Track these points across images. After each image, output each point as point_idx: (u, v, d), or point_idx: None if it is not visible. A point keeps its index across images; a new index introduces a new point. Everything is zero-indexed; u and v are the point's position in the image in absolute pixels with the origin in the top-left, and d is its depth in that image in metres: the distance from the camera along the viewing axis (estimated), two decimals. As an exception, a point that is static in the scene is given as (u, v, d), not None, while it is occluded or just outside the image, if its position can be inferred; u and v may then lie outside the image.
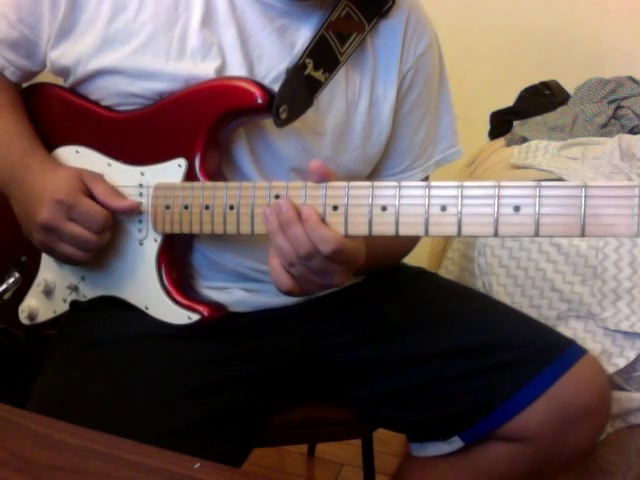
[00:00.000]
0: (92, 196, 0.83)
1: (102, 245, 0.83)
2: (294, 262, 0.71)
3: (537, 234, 0.62)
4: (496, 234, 0.63)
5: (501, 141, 1.76)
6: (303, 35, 0.85)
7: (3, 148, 0.87)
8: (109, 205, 0.83)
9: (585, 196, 0.60)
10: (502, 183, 0.63)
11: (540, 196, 0.61)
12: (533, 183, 0.62)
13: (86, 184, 0.83)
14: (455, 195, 0.65)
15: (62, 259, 0.86)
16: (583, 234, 0.60)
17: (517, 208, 0.62)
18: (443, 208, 0.66)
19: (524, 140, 1.64)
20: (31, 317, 0.95)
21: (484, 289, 1.23)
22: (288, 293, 0.74)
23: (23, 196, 0.85)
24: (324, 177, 0.71)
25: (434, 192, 0.66)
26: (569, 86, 1.90)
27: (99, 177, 0.85)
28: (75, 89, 0.89)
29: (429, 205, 0.66)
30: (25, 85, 0.96)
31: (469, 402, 0.90)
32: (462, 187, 0.65)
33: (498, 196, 0.63)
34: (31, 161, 0.86)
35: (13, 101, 0.93)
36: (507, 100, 1.91)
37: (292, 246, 0.70)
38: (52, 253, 0.85)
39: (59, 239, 0.82)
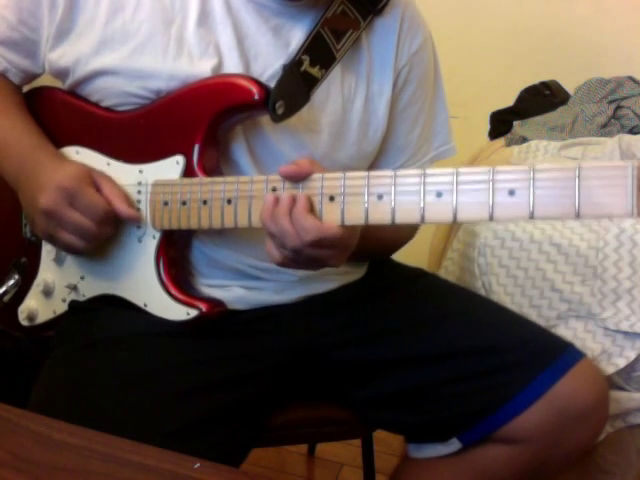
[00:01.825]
0: (98, 190, 0.83)
1: (103, 237, 0.83)
2: (284, 248, 0.73)
3: (532, 217, 0.62)
4: (491, 218, 0.64)
5: (501, 141, 1.76)
6: (297, 34, 0.86)
7: (13, 145, 0.88)
8: (112, 206, 0.83)
9: (579, 177, 0.60)
10: (496, 168, 0.63)
11: (534, 179, 0.61)
12: (527, 167, 0.62)
13: (94, 180, 0.83)
14: (450, 181, 0.65)
15: (63, 248, 0.86)
16: (578, 215, 0.60)
17: (512, 192, 0.62)
18: (438, 195, 0.66)
19: (524, 140, 1.64)
20: (30, 318, 0.95)
21: (484, 289, 1.23)
22: (280, 266, 0.76)
23: (30, 184, 0.85)
24: (299, 177, 0.73)
25: (429, 179, 0.66)
26: (569, 86, 1.90)
27: (109, 178, 0.85)
28: (74, 91, 0.89)
29: (424, 192, 0.67)
30: (25, 89, 0.97)
31: (467, 404, 0.90)
32: (457, 173, 0.65)
33: (492, 181, 0.63)
34: (42, 155, 0.87)
35: (18, 101, 0.94)
36: (507, 100, 1.91)
37: (280, 237, 0.72)
38: (53, 241, 0.85)
39: (59, 226, 0.82)
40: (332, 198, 0.72)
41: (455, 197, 0.65)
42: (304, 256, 0.73)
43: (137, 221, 0.85)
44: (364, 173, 0.70)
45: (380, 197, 0.69)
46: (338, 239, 0.72)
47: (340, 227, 0.72)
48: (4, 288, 0.96)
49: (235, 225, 0.78)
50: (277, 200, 0.73)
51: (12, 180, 0.88)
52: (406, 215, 0.68)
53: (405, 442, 1.00)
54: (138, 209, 0.85)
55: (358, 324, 0.95)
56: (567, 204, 0.60)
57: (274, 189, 0.75)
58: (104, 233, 0.83)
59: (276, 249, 0.74)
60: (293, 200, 0.72)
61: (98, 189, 0.83)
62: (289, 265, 0.76)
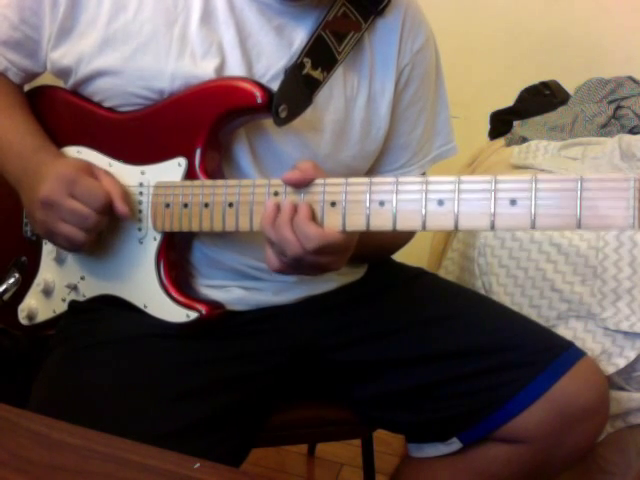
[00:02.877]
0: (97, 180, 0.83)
1: (101, 226, 0.82)
2: (284, 256, 0.73)
3: (533, 227, 0.62)
4: (493, 227, 0.64)
5: (501, 141, 1.76)
6: (300, 34, 0.86)
7: (16, 145, 0.88)
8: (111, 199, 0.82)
9: (581, 189, 0.60)
10: (498, 177, 0.64)
11: (536, 189, 0.62)
12: (529, 177, 0.62)
13: (94, 172, 0.83)
14: (452, 190, 0.66)
15: (63, 244, 0.84)
16: (579, 226, 0.60)
17: (513, 201, 0.63)
18: (440, 202, 0.66)
19: (524, 140, 1.64)
20: (30, 317, 0.95)
21: (484, 289, 1.23)
22: (278, 273, 0.76)
23: (31, 182, 0.84)
24: (303, 183, 0.73)
25: (431, 187, 0.67)
26: (569, 86, 1.90)
27: (108, 172, 0.85)
28: (77, 91, 0.89)
29: (426, 200, 0.67)
30: (27, 88, 0.97)
31: (468, 404, 0.90)
32: (459, 182, 0.65)
33: (494, 190, 0.63)
34: (45, 155, 0.86)
35: (20, 101, 0.93)
36: (507, 100, 1.91)
37: (280, 245, 0.72)
38: (52, 236, 0.84)
39: (59, 217, 0.80)
40: (334, 204, 0.72)
41: (457, 205, 0.65)
42: (305, 263, 0.73)
43: (128, 219, 0.84)
44: (366, 179, 0.70)
45: (382, 204, 0.69)
46: (339, 245, 0.72)
47: (341, 233, 0.72)
48: (4, 286, 0.96)
49: (236, 229, 0.78)
50: (278, 207, 0.73)
51: (14, 181, 0.88)
52: (407, 222, 0.68)
53: (406, 442, 1.00)
54: (140, 210, 0.85)
55: (358, 324, 0.95)
56: (568, 215, 0.61)
57: (276, 193, 0.75)
58: (103, 222, 0.82)
59: (275, 256, 0.74)
60: (294, 208, 0.72)
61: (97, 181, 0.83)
62: (288, 272, 0.76)
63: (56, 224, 0.81)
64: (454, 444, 0.93)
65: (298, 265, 0.73)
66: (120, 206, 0.81)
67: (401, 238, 1.02)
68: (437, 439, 0.94)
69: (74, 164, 0.83)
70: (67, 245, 0.84)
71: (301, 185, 0.73)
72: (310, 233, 0.70)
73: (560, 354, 0.89)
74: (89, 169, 0.83)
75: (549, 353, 0.89)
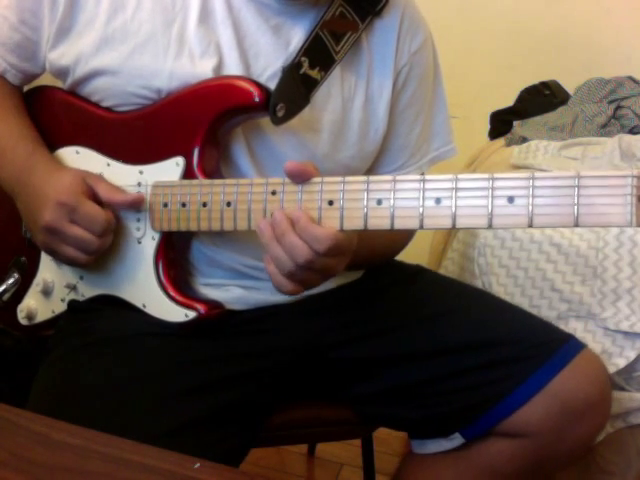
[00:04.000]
0: (95, 196, 0.83)
1: (104, 247, 0.83)
2: (294, 271, 0.72)
3: (531, 225, 0.62)
4: (490, 225, 0.64)
5: (501, 141, 1.76)
6: (298, 33, 0.86)
7: (9, 151, 0.88)
8: (114, 200, 0.83)
9: (578, 186, 0.60)
10: (496, 175, 0.64)
11: (534, 187, 0.62)
12: (526, 174, 0.62)
13: (89, 184, 0.83)
14: (449, 188, 0.65)
15: (65, 261, 0.86)
16: (577, 224, 0.60)
17: (511, 199, 0.63)
18: (438, 201, 0.66)
19: (524, 140, 1.64)
20: (30, 317, 0.95)
21: (484, 289, 1.23)
22: (291, 294, 0.75)
23: (27, 197, 0.85)
24: (304, 175, 0.72)
25: (429, 185, 0.67)
26: (569, 86, 1.90)
27: (102, 178, 0.86)
28: (75, 91, 0.89)
29: (424, 198, 0.67)
30: (27, 88, 0.97)
31: (469, 399, 0.90)
32: (456, 180, 0.65)
33: (492, 188, 0.63)
34: (35, 162, 0.86)
35: (16, 104, 0.93)
36: (507, 100, 1.91)
37: (289, 256, 0.71)
38: (55, 255, 0.85)
39: (62, 241, 0.82)
40: (331, 202, 0.71)
41: (454, 203, 0.65)
42: (317, 267, 0.71)
43: (141, 202, 0.84)
44: (363, 178, 0.70)
45: (379, 202, 0.69)
46: (345, 244, 0.72)
47: (345, 232, 0.71)
48: (4, 287, 0.96)
49: (234, 228, 0.78)
50: (270, 223, 0.72)
51: (8, 188, 0.88)
52: (405, 221, 0.68)
53: (409, 438, 1.00)
54: (138, 210, 0.85)
55: (357, 322, 0.95)
56: (566, 213, 0.61)
57: (274, 192, 0.75)
58: (106, 243, 0.83)
59: (285, 279, 0.73)
60: (288, 217, 0.71)
61: (94, 194, 0.83)
62: (300, 291, 0.74)
63: (59, 248, 0.83)
64: (456, 439, 0.93)
65: (309, 274, 0.72)
66: (129, 198, 0.83)
67: (396, 241, 1.02)
68: (439, 435, 0.94)
69: (70, 186, 0.82)
70: (69, 264, 0.86)
71: (302, 176, 0.72)
72: (318, 234, 0.69)
73: (560, 347, 0.89)
74: (85, 186, 0.83)
75: (549, 346, 0.89)
